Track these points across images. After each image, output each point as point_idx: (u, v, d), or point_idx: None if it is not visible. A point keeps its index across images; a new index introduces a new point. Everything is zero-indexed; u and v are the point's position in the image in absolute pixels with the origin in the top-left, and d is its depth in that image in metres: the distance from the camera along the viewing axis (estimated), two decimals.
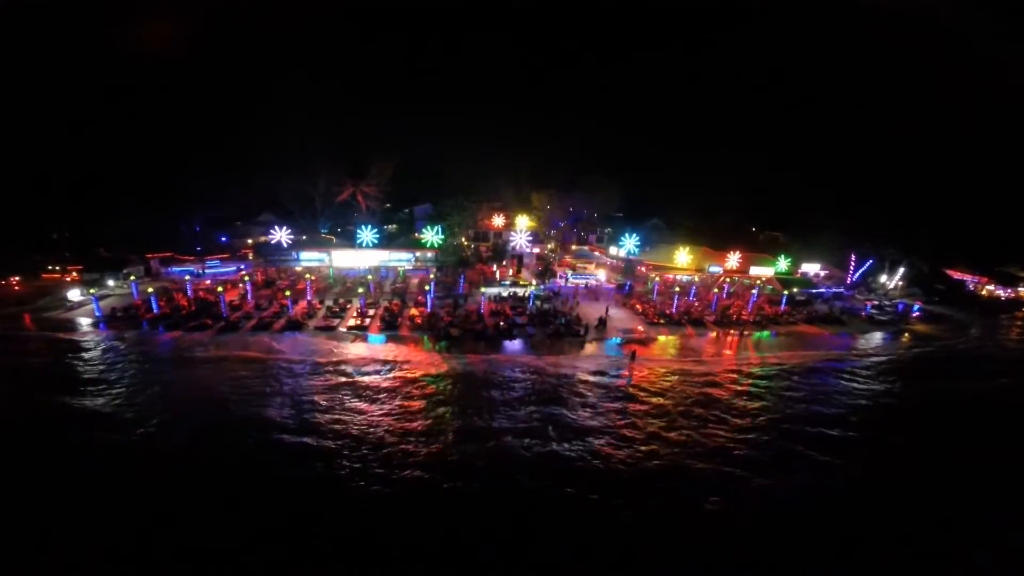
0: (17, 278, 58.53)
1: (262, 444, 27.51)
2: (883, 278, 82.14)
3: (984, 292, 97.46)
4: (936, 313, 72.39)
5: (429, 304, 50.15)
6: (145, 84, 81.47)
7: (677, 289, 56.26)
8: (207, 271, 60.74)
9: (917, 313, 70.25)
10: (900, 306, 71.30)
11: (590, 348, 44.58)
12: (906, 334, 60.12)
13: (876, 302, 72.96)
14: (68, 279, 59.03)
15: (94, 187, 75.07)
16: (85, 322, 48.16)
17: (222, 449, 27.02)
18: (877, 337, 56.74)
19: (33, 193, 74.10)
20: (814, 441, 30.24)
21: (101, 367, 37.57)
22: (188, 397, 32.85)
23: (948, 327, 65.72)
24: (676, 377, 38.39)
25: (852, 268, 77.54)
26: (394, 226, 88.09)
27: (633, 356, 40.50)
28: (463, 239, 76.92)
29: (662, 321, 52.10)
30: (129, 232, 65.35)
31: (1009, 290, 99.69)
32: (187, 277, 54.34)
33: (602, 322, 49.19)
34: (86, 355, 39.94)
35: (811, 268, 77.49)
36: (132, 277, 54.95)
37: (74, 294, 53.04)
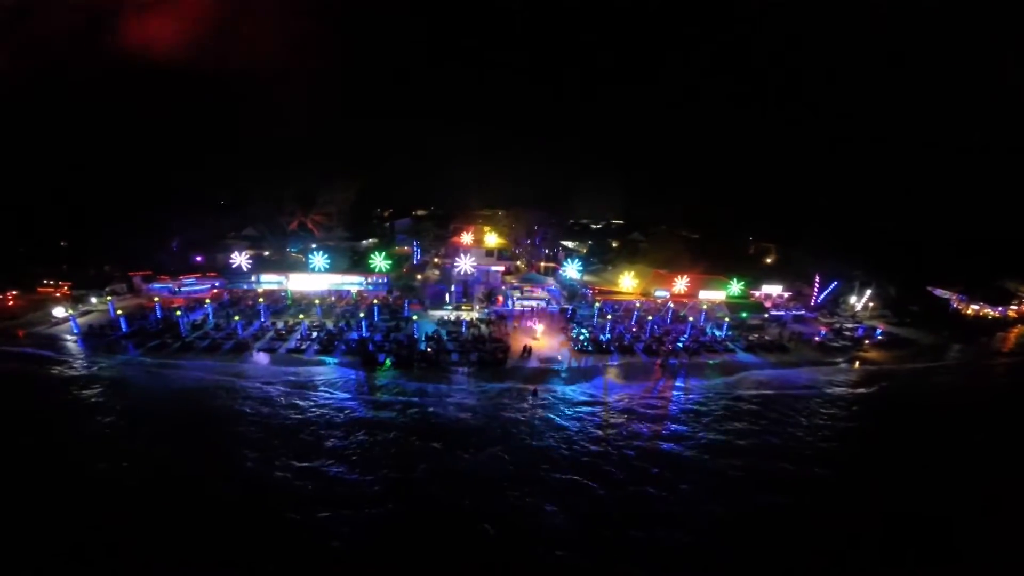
0: (14, 292, 64.70)
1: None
2: (852, 299, 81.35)
3: (969, 311, 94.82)
4: (901, 338, 71.39)
5: (365, 329, 53.59)
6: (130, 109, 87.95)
7: (608, 317, 58.02)
8: (183, 289, 65.80)
9: (879, 338, 69.59)
10: (860, 330, 70.75)
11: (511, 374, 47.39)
12: (856, 362, 60.20)
13: (838, 326, 72.59)
14: (59, 294, 64.81)
15: (93, 201, 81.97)
16: (66, 337, 53.86)
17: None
18: (815, 368, 56.57)
19: (47, 203, 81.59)
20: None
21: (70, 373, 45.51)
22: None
23: (905, 353, 65.26)
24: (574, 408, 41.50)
25: (816, 290, 77.16)
26: (374, 239, 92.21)
27: (535, 394, 42.82)
28: (436, 258, 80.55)
29: (590, 348, 54.05)
30: (116, 249, 70.78)
31: (1000, 308, 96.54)
32: (156, 298, 59.17)
33: (527, 350, 51.58)
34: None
35: (773, 290, 77.48)
36: (109, 297, 60.39)
37: (58, 311, 58.61)
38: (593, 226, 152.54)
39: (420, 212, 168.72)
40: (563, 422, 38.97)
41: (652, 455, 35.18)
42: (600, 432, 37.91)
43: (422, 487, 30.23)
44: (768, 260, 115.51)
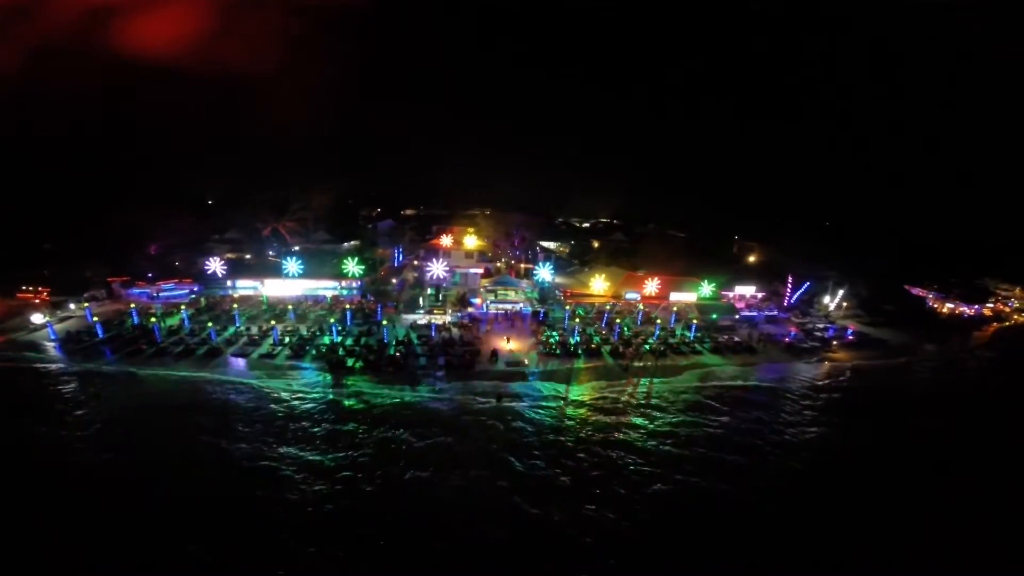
0: None
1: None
2: (826, 299, 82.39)
3: (944, 310, 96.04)
4: (872, 338, 72.41)
5: (336, 334, 54.60)
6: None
7: (576, 320, 59.05)
8: (161, 294, 66.56)
9: (850, 338, 70.68)
10: (831, 331, 71.82)
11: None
12: (825, 362, 61.42)
13: (809, 326, 73.65)
14: (38, 300, 65.33)
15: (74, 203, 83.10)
16: (44, 343, 54.65)
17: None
18: (778, 368, 57.70)
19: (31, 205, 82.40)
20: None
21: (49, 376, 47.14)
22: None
23: (873, 353, 66.44)
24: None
25: (789, 291, 78.22)
26: (355, 242, 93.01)
27: (499, 399, 43.88)
28: (415, 260, 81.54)
29: (558, 352, 55.07)
30: (97, 253, 71.34)
31: (976, 306, 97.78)
32: (132, 305, 59.95)
33: (495, 354, 52.62)
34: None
35: (747, 290, 78.49)
36: (85, 304, 61.20)
37: (37, 318, 59.35)
38: (581, 225, 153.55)
39: (409, 211, 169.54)
40: (528, 415, 41.63)
41: (606, 444, 37.84)
42: (559, 423, 40.69)
43: (391, 473, 32.95)
44: (751, 259, 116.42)
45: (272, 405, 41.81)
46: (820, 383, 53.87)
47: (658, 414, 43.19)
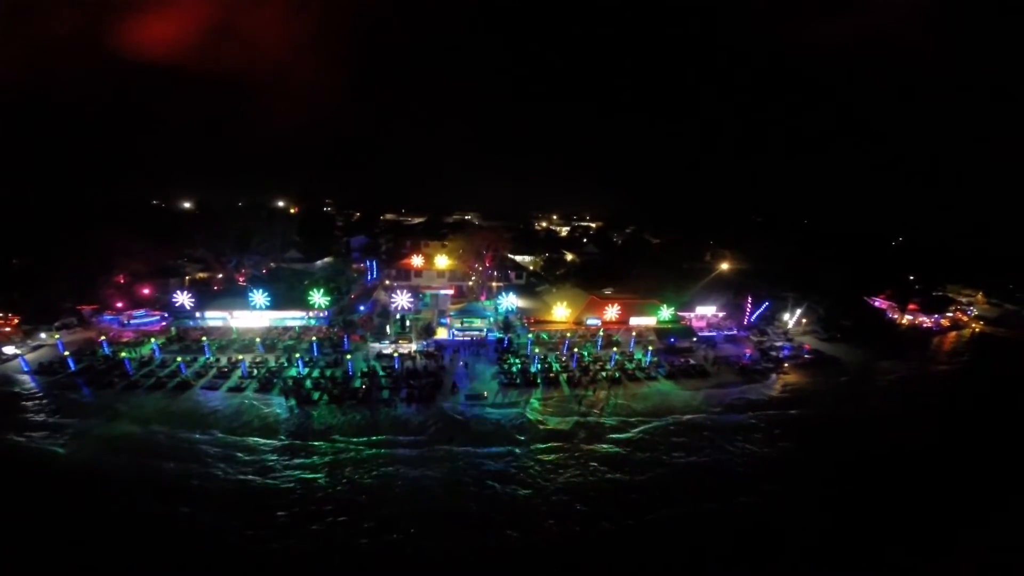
0: None
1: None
2: (786, 316, 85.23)
3: (904, 321, 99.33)
4: (826, 356, 75.15)
5: (302, 366, 56.42)
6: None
7: (536, 350, 61.26)
8: (132, 322, 67.67)
9: (806, 356, 73.52)
10: (786, 350, 74.54)
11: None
12: (779, 383, 64.25)
13: (767, 345, 76.38)
14: (8, 328, 65.96)
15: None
16: (18, 376, 55.63)
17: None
18: (725, 391, 60.16)
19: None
20: None
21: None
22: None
23: (827, 372, 69.34)
24: None
25: (748, 310, 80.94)
26: (328, 259, 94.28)
27: (451, 440, 46.01)
28: (387, 280, 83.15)
29: (519, 381, 57.25)
30: (66, 277, 71.89)
31: (936, 316, 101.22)
32: (103, 337, 61.18)
33: (454, 386, 54.77)
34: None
35: (708, 310, 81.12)
36: (56, 335, 62.30)
37: (9, 349, 60.42)
38: (559, 231, 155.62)
39: (388, 215, 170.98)
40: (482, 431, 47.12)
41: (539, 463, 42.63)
42: (516, 435, 46.45)
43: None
44: (724, 266, 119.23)
45: (252, 433, 45.45)
46: (762, 404, 57.03)
47: (582, 435, 47.47)
